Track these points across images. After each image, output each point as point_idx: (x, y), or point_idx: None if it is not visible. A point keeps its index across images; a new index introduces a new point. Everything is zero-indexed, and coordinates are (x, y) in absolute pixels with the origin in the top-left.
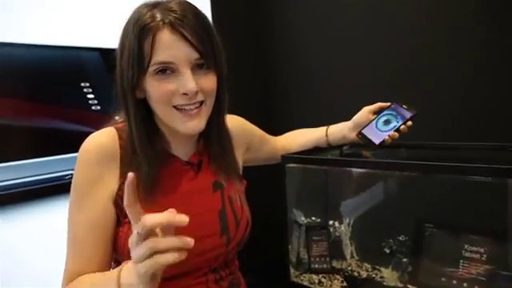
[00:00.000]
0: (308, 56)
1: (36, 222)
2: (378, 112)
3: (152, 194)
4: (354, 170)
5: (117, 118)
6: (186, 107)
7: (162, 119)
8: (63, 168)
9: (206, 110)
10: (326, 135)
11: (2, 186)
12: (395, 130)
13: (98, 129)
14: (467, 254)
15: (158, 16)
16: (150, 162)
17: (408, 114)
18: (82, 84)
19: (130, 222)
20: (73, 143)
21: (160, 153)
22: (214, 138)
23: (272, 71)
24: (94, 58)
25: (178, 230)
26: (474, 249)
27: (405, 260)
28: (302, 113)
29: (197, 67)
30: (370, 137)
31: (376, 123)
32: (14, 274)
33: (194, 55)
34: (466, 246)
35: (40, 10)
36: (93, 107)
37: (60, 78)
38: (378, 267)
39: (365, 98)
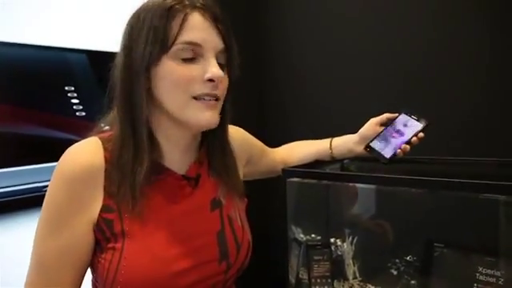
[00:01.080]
0: (305, 67)
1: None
2: (385, 123)
3: (142, 215)
4: (358, 185)
5: (102, 125)
6: (206, 97)
7: (172, 112)
8: (39, 179)
9: (220, 107)
10: (331, 148)
11: None
12: (406, 143)
13: (82, 136)
14: (482, 278)
15: (187, 0)
16: (142, 178)
17: (419, 125)
18: (67, 88)
19: (115, 249)
20: (53, 152)
21: (153, 166)
22: (217, 149)
23: (268, 83)
24: (80, 61)
25: (173, 258)
26: (490, 272)
27: (413, 282)
28: (299, 125)
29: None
30: (379, 150)
31: (385, 135)
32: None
33: (221, 45)
34: (481, 269)
35: (25, 8)
36: (77, 113)
37: (43, 80)
38: None
39: (364, 109)
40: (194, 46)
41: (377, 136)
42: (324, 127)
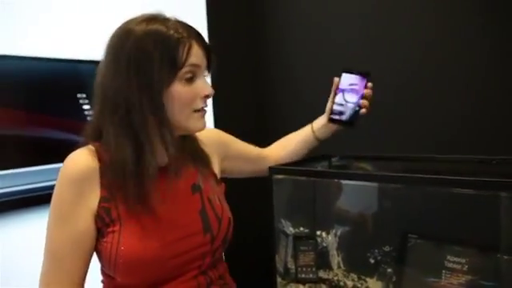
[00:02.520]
0: (304, 67)
1: (33, 227)
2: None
3: (138, 204)
4: (342, 181)
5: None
6: (201, 109)
7: (177, 122)
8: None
9: None
10: (313, 131)
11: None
12: (362, 98)
13: None
14: (449, 265)
15: (184, 31)
16: (145, 174)
17: (364, 78)
18: (79, 95)
19: (114, 232)
20: (66, 152)
21: None
22: (190, 144)
23: (266, 85)
24: (90, 71)
25: (162, 233)
26: (456, 259)
27: (389, 270)
28: (298, 125)
29: None
30: (340, 118)
31: (339, 102)
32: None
33: (206, 63)
34: (449, 257)
35: (37, 22)
36: (88, 118)
37: (57, 89)
38: (363, 277)
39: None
40: (195, 67)
41: (333, 105)
42: None
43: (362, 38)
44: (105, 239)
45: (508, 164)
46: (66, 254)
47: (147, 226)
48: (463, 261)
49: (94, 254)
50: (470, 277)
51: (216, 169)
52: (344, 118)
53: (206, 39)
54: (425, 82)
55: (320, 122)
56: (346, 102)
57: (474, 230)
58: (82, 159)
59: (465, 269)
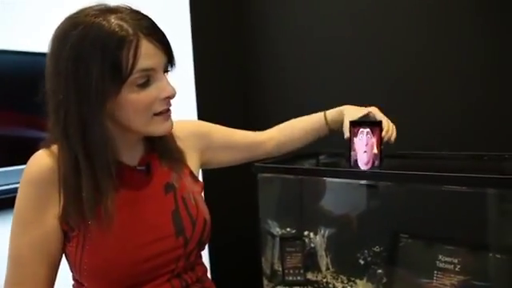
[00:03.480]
0: (290, 64)
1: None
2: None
3: (97, 209)
4: (329, 179)
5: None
6: (163, 111)
7: (135, 128)
8: None
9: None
10: (327, 122)
11: None
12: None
13: None
14: (441, 265)
15: (130, 27)
16: (102, 175)
17: (375, 127)
18: None
19: (79, 235)
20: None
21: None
22: (161, 141)
23: (252, 81)
24: None
25: (130, 236)
26: (448, 259)
27: (379, 271)
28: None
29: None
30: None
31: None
32: None
33: (165, 59)
34: (441, 257)
35: (20, 16)
36: None
37: (35, 85)
38: (353, 279)
39: (348, 100)
40: (148, 71)
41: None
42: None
43: (351, 32)
44: (70, 243)
45: (500, 160)
46: (30, 260)
47: (113, 229)
48: (455, 261)
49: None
50: (462, 277)
51: (193, 165)
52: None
53: (188, 27)
54: (416, 81)
55: (335, 116)
56: (364, 151)
57: (466, 228)
58: (43, 161)
59: (457, 269)
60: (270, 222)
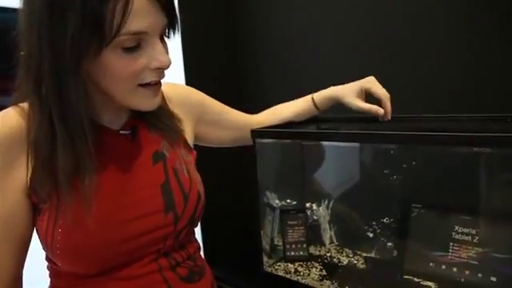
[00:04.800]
0: (284, 38)
1: None
2: None
3: (74, 179)
4: (333, 144)
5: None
6: (153, 83)
7: (114, 97)
8: None
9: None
10: (314, 103)
11: None
12: None
13: None
14: (458, 237)
15: None
16: (80, 140)
17: None
18: None
19: (51, 208)
20: None
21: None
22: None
23: (245, 55)
24: None
25: (111, 211)
26: (466, 230)
27: (389, 244)
28: (278, 97)
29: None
30: None
31: None
32: None
33: (165, 20)
34: (457, 228)
35: None
36: None
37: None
38: (359, 253)
39: (343, 79)
40: (140, 34)
41: None
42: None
43: (344, 6)
44: (40, 217)
45: None
46: None
47: (92, 203)
48: (473, 231)
49: None
50: (480, 249)
51: (188, 133)
52: None
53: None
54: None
55: (324, 94)
56: None
57: (484, 196)
58: (11, 120)
59: (475, 240)
60: (268, 193)
